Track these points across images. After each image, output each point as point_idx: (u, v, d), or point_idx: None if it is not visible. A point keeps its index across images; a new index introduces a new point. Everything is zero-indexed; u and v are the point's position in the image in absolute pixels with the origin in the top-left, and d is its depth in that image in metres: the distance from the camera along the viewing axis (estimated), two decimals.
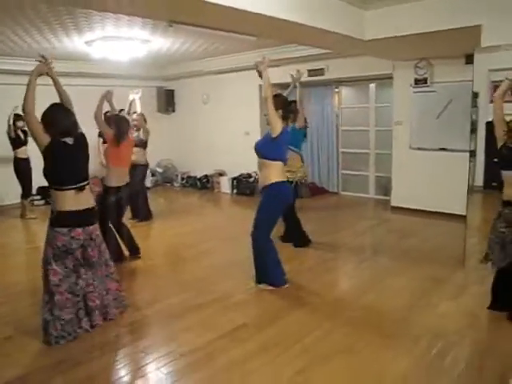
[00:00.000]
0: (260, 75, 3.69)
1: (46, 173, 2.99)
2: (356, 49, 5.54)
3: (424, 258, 4.68)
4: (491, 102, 3.38)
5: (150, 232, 6.34)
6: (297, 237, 5.16)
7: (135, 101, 6.12)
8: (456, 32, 4.25)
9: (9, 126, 6.67)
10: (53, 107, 3.04)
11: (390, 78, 6.91)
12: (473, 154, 4.97)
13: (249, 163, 7.36)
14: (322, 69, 7.56)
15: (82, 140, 3.12)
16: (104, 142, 5.93)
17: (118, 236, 4.69)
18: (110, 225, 4.56)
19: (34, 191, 7.53)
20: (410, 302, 3.60)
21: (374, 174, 8.01)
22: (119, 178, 4.56)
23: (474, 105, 4.99)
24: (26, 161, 6.79)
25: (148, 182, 8.82)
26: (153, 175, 9.82)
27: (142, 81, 8.96)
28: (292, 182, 4.86)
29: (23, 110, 2.92)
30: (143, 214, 6.53)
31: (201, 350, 2.90)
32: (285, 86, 5.50)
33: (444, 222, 6.09)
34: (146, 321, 3.42)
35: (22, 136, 6.76)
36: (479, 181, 5.10)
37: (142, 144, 6.25)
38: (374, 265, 4.61)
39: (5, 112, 6.61)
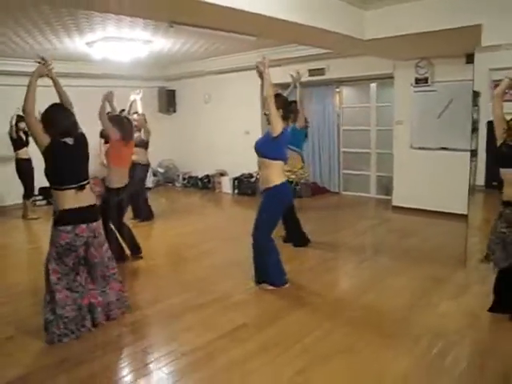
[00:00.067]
0: (260, 76, 3.69)
1: (47, 173, 3.01)
2: (356, 49, 5.54)
3: (425, 257, 4.68)
4: None
5: (152, 232, 6.35)
6: (296, 237, 5.16)
7: (136, 101, 6.13)
8: (456, 31, 4.25)
9: (11, 127, 6.70)
10: (53, 107, 3.05)
11: (390, 77, 6.92)
12: (474, 153, 4.96)
13: (250, 163, 7.33)
14: (322, 69, 7.57)
15: (82, 140, 3.14)
16: (106, 143, 5.95)
17: (119, 236, 4.71)
18: (111, 225, 4.57)
19: (35, 191, 7.56)
20: (411, 301, 3.60)
21: (375, 174, 8.00)
22: (121, 178, 4.58)
23: (475, 104, 4.98)
24: (28, 161, 6.80)
25: (149, 182, 8.85)
26: (154, 175, 9.84)
27: (143, 81, 8.97)
28: (292, 181, 4.87)
29: (23, 110, 2.93)
30: (144, 214, 6.55)
31: (201, 350, 2.91)
32: (285, 85, 5.50)
33: (445, 222, 6.09)
34: (147, 320, 3.44)
35: (23, 137, 6.78)
36: (481, 180, 5.09)
37: (143, 144, 6.27)
38: (375, 264, 4.61)
39: (6, 113, 6.63)
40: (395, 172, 7.04)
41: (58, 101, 3.18)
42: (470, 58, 5.47)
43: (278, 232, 4.66)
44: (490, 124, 3.33)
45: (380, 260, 4.73)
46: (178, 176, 10.09)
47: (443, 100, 6.35)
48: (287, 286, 3.91)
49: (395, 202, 7.03)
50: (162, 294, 3.89)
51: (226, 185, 9.06)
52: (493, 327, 3.21)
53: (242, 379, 2.60)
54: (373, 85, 7.76)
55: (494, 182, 3.58)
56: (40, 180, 3.11)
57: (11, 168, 6.95)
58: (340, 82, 7.98)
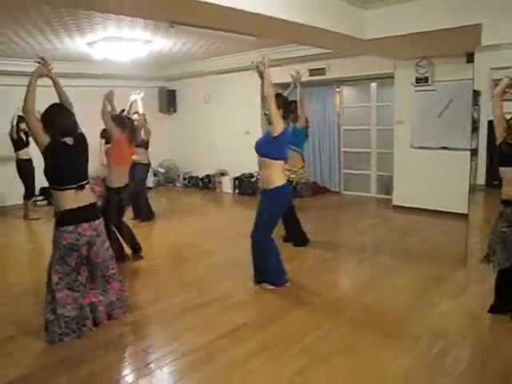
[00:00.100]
0: (260, 76, 3.69)
1: (47, 172, 3.02)
2: (357, 48, 5.54)
3: (425, 256, 4.68)
4: None
5: (152, 232, 6.36)
6: (296, 236, 5.17)
7: (137, 101, 6.14)
8: (456, 31, 4.26)
9: (12, 127, 6.71)
10: (53, 107, 3.06)
11: (391, 77, 6.92)
12: (475, 152, 4.96)
13: (250, 163, 7.34)
14: (323, 68, 7.57)
15: (81, 140, 3.14)
16: (106, 143, 5.96)
17: (119, 236, 4.71)
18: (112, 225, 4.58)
19: (36, 192, 7.57)
20: (411, 301, 3.60)
21: (376, 173, 8.01)
22: (121, 177, 4.58)
23: (476, 103, 4.98)
24: (29, 161, 6.81)
25: (150, 182, 8.86)
26: (155, 175, 9.85)
27: (143, 81, 8.98)
28: (292, 181, 4.87)
29: (23, 109, 2.94)
30: (145, 214, 6.55)
31: (202, 350, 2.91)
32: (285, 85, 5.50)
33: (445, 221, 6.09)
34: (147, 320, 3.44)
35: (24, 138, 6.79)
36: (481, 179, 5.09)
37: (144, 144, 6.28)
38: (375, 264, 4.61)
39: (6, 113, 6.64)
40: (395, 171, 7.04)
41: (57, 101, 3.19)
42: (470, 58, 5.46)
43: (278, 232, 4.66)
44: (491, 123, 3.32)
45: (380, 259, 4.73)
46: (179, 176, 10.10)
47: (443, 99, 6.35)
48: (288, 285, 3.92)
49: (395, 202, 7.03)
50: (163, 294, 3.90)
51: (227, 185, 9.07)
52: (493, 327, 3.21)
53: (243, 379, 2.61)
54: (373, 84, 7.76)
55: (494, 181, 3.57)
56: (41, 180, 3.12)
57: (12, 168, 6.96)
58: (340, 81, 7.98)
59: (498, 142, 3.16)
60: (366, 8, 4.63)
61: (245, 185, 8.68)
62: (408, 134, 6.80)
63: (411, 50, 5.85)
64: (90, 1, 3.37)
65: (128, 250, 4.86)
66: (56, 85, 3.20)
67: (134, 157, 5.25)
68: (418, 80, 6.56)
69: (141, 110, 6.18)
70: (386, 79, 7.16)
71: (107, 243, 3.29)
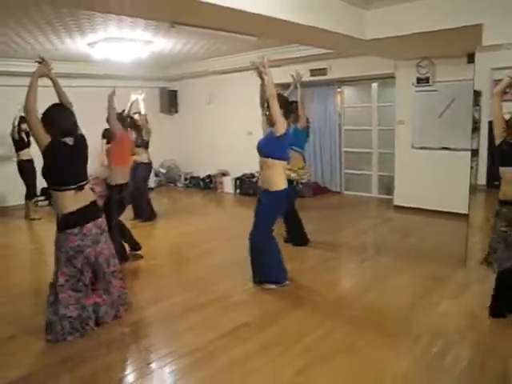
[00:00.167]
0: (260, 76, 3.69)
1: (45, 172, 3.02)
2: (358, 49, 5.54)
3: (426, 256, 4.68)
4: None
5: (154, 232, 6.36)
6: (297, 236, 5.17)
7: (138, 101, 6.15)
8: (457, 31, 4.25)
9: (13, 127, 6.72)
10: (53, 107, 3.07)
11: (392, 77, 6.92)
12: (475, 152, 4.96)
13: (252, 163, 7.34)
14: (324, 69, 7.57)
15: (81, 141, 3.15)
16: (108, 143, 5.96)
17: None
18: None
19: (38, 192, 7.58)
20: (412, 300, 3.61)
21: (377, 174, 8.00)
22: (122, 176, 4.60)
23: (477, 103, 4.98)
24: (30, 162, 6.81)
25: (151, 182, 8.86)
26: (156, 175, 9.86)
27: (144, 81, 8.99)
28: (292, 181, 4.87)
29: (24, 108, 2.95)
30: (147, 214, 6.56)
31: (202, 349, 2.92)
32: (286, 86, 5.50)
33: (446, 221, 6.09)
34: (149, 320, 3.45)
35: (25, 138, 6.81)
36: (482, 180, 5.09)
37: (144, 144, 6.28)
38: (376, 264, 4.61)
39: (7, 113, 6.66)
40: (397, 172, 7.04)
41: (57, 101, 3.20)
42: (471, 58, 5.45)
43: (279, 230, 4.66)
44: (491, 123, 3.32)
45: (381, 259, 4.73)
46: (180, 176, 10.11)
47: (444, 100, 6.34)
48: (288, 283, 3.92)
49: (397, 202, 7.03)
50: (164, 294, 3.91)
51: (228, 185, 9.07)
52: (493, 327, 3.21)
53: (243, 378, 2.61)
54: (374, 85, 7.76)
55: (495, 181, 3.57)
56: (42, 180, 3.10)
57: (13, 168, 6.98)
58: (341, 81, 7.98)
59: (497, 142, 3.15)
60: (366, 8, 4.63)
61: (246, 185, 8.68)
62: (409, 134, 6.80)
63: (412, 51, 5.85)
64: (91, 1, 3.37)
65: (128, 249, 4.88)
66: (56, 85, 3.21)
67: (135, 157, 5.26)
68: (418, 80, 6.56)
69: (143, 111, 6.19)
70: (387, 79, 7.17)
71: (109, 239, 3.31)
